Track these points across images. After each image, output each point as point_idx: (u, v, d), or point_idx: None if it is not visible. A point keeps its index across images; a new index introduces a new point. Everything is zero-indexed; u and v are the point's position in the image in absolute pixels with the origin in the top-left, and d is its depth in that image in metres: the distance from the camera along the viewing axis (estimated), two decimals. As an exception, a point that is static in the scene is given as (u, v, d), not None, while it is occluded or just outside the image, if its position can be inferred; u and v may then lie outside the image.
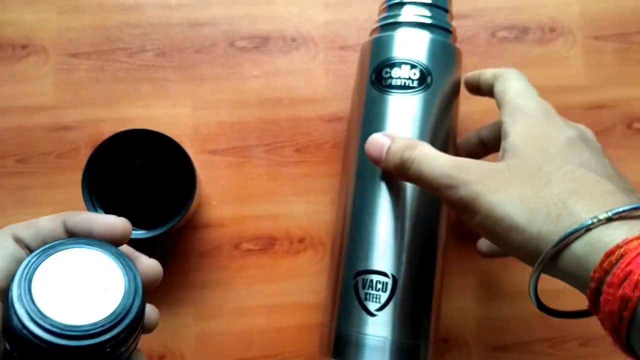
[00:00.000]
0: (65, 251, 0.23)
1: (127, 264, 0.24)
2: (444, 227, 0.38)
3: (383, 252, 0.36)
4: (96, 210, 0.39)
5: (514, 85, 0.34)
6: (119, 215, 0.27)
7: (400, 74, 0.37)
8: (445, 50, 0.39)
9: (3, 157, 0.44)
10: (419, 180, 0.32)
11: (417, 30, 0.38)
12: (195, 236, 0.44)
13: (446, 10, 0.39)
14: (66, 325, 0.21)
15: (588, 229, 0.26)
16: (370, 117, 0.38)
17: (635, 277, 0.23)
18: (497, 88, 0.35)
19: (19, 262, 0.23)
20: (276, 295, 0.43)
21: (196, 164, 0.40)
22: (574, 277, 0.26)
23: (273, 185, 0.44)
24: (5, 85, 0.45)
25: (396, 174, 0.34)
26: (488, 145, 0.39)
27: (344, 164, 0.41)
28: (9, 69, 0.45)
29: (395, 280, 0.35)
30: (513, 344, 0.43)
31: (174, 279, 0.43)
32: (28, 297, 0.21)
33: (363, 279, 0.36)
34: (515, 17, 0.47)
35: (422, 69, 0.37)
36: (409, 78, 0.37)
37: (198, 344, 0.43)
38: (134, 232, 0.38)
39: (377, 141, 0.34)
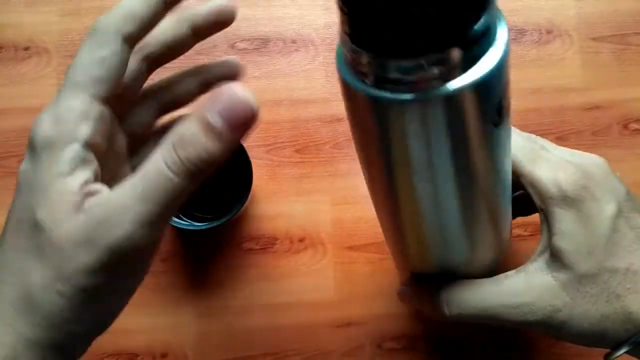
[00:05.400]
0: None
1: None
2: None
3: None
4: None
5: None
6: None
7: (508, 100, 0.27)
8: None
9: (6, 157, 0.44)
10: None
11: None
12: (196, 236, 0.44)
13: None
14: None
15: None
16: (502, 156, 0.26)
17: None
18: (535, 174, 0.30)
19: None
20: (277, 294, 0.44)
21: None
22: None
23: (273, 186, 0.45)
24: (8, 86, 0.45)
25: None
26: None
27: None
28: (11, 70, 0.45)
29: None
30: (513, 343, 0.44)
31: (176, 278, 0.44)
32: None
33: None
34: (513, 19, 0.47)
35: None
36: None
37: (200, 342, 0.43)
38: (184, 223, 0.40)
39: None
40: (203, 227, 0.39)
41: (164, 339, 0.43)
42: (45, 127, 0.22)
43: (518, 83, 0.46)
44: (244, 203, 0.40)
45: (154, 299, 0.43)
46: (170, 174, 0.20)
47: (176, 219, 0.39)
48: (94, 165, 0.23)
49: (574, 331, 0.28)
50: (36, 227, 0.21)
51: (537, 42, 0.47)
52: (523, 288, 0.29)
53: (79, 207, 0.21)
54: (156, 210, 0.21)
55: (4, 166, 0.44)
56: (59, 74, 0.45)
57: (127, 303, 0.24)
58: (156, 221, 0.21)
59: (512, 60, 0.47)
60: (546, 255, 0.29)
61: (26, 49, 0.45)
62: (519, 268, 0.30)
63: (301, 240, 0.44)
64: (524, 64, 0.47)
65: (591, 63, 0.47)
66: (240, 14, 0.47)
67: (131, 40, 0.24)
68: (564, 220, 0.28)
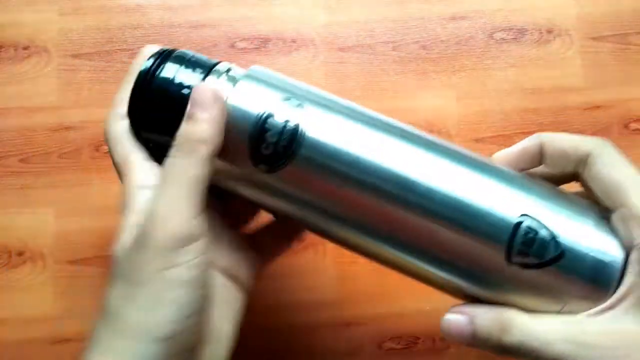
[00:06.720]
0: None
1: None
2: None
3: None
4: None
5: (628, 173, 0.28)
6: None
7: None
8: None
9: (6, 157, 0.44)
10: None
11: None
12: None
13: None
14: None
15: None
16: None
17: None
18: (603, 173, 0.28)
19: None
20: (277, 294, 0.43)
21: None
22: None
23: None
24: (8, 85, 0.45)
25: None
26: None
27: None
28: (11, 69, 0.45)
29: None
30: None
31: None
32: None
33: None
34: (513, 19, 0.47)
35: None
36: None
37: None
38: None
39: (454, 324, 0.29)
40: None
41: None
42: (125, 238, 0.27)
43: (518, 83, 0.46)
44: None
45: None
46: (174, 159, 0.27)
47: None
48: None
49: None
50: None
51: (537, 42, 0.47)
52: (602, 329, 0.26)
53: None
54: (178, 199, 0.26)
55: (4, 166, 0.44)
56: (59, 73, 0.45)
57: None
58: (187, 210, 0.26)
59: (512, 60, 0.47)
60: (635, 296, 0.25)
61: (26, 48, 0.45)
62: (598, 308, 0.26)
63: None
64: (524, 64, 0.47)
65: (591, 63, 0.47)
66: (240, 13, 0.47)
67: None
68: None
